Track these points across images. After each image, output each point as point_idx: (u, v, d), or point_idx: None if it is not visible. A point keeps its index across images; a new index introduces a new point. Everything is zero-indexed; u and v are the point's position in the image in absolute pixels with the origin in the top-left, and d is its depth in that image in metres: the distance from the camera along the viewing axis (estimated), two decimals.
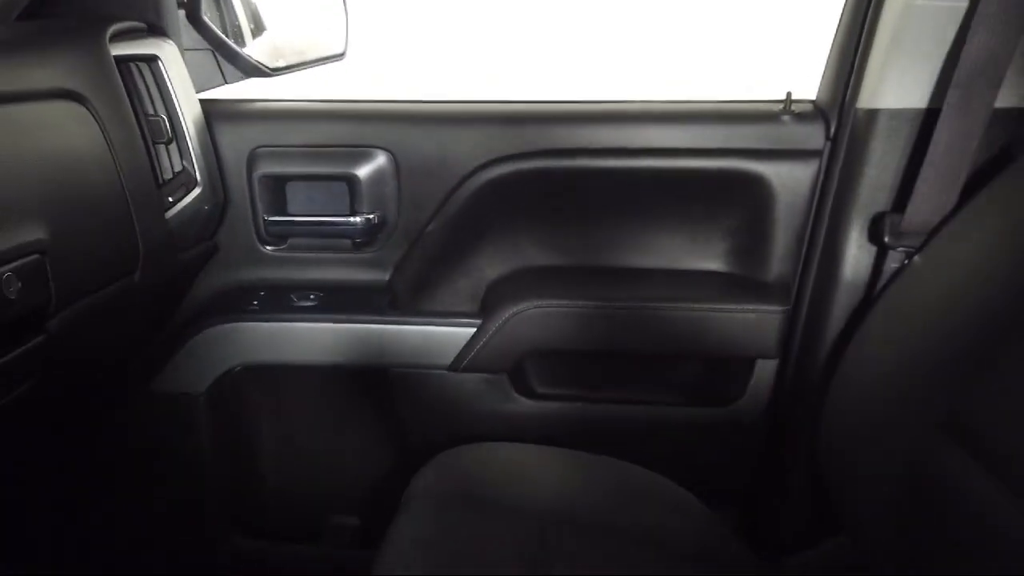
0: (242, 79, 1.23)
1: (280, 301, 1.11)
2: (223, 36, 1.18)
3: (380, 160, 1.08)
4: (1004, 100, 0.88)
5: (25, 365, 0.76)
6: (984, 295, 0.82)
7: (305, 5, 1.44)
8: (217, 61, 1.18)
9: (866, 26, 0.95)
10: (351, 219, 1.10)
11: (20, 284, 0.72)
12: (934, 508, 0.81)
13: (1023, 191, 0.83)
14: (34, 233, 0.74)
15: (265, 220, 1.11)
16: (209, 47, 1.16)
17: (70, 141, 0.82)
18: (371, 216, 1.10)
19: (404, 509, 0.93)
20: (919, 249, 0.91)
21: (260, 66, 1.22)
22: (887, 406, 0.88)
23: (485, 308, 1.12)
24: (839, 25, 1.01)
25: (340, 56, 1.36)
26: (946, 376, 0.83)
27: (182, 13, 1.10)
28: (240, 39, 1.27)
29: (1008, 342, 0.77)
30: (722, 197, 1.08)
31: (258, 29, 1.36)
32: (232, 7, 1.28)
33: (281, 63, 1.28)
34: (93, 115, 0.85)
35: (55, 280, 0.76)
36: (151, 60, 0.98)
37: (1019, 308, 0.77)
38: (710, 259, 1.12)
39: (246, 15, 1.33)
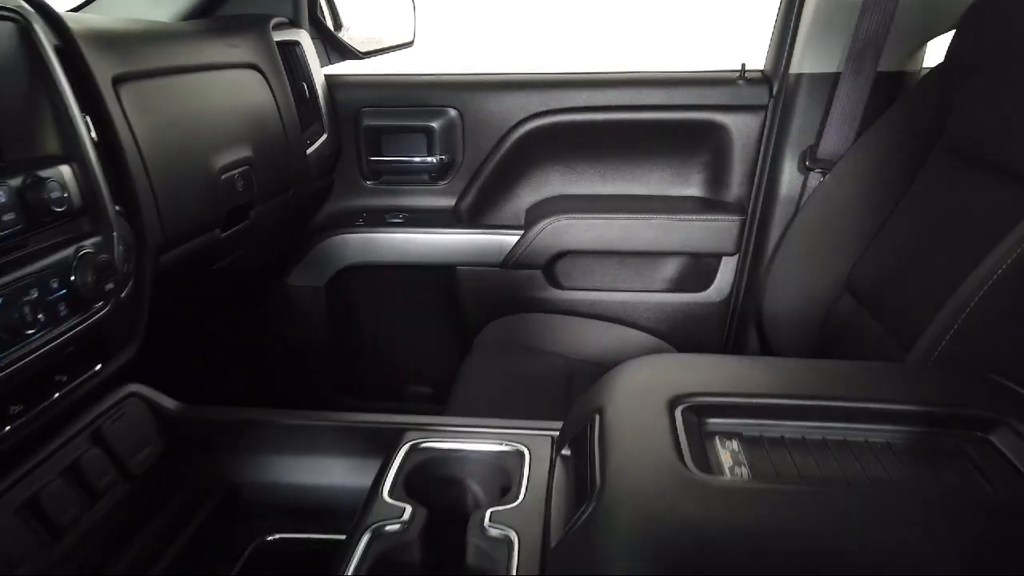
0: (341, 60, 1.65)
1: (378, 219, 1.53)
2: (331, 29, 1.60)
3: (450, 116, 1.50)
4: (883, 66, 1.28)
5: (236, 239, 1.18)
6: (868, 199, 1.23)
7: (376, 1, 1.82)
8: (325, 47, 1.60)
9: (794, 13, 1.36)
10: (428, 159, 1.52)
11: (242, 183, 1.14)
12: (840, 345, 1.22)
13: (894, 129, 1.23)
14: (246, 152, 1.16)
15: (368, 161, 1.53)
16: (319, 36, 1.58)
17: (256, 97, 1.25)
18: (443, 157, 1.52)
19: (472, 352, 1.35)
20: (829, 171, 1.31)
21: (355, 51, 1.64)
22: (807, 277, 1.29)
23: (526, 222, 1.53)
24: (777, 14, 1.41)
25: (409, 44, 1.77)
26: (845, 252, 1.24)
27: None
28: None
29: (881, 228, 1.18)
30: (696, 140, 1.49)
31: (336, 24, 1.76)
32: (320, 5, 1.69)
33: (366, 49, 1.70)
34: (267, 81, 1.27)
35: (256, 184, 1.19)
36: (295, 45, 1.40)
37: (889, 207, 1.18)
38: (688, 185, 1.53)
39: (328, 11, 1.74)
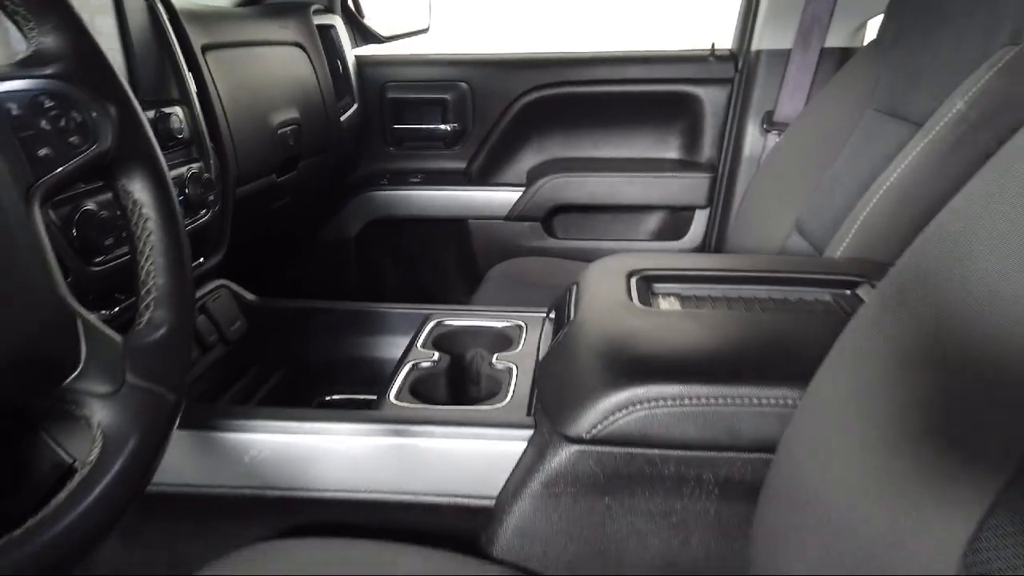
0: (365, 43, 1.89)
1: (399, 179, 1.78)
2: (358, 16, 1.84)
3: (462, 89, 1.74)
4: (831, 43, 1.52)
5: (287, 186, 1.42)
6: (814, 154, 1.46)
7: None
8: (352, 31, 1.85)
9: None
10: (443, 127, 1.76)
11: (292, 139, 1.39)
12: None
13: (835, 96, 1.46)
14: (295, 113, 1.40)
15: (391, 129, 1.77)
16: (347, 22, 1.82)
17: (301, 70, 1.49)
18: (456, 125, 1.76)
19: (484, 281, 1.59)
20: (783, 132, 1.55)
21: (378, 35, 1.88)
22: (765, 221, 1.53)
23: (527, 181, 1.77)
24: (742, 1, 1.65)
25: (425, 30, 2.01)
26: (795, 199, 1.47)
27: None
28: None
29: (820, 175, 1.42)
30: (674, 110, 1.73)
31: (359, 12, 2.00)
32: None
33: (387, 34, 1.94)
34: (309, 57, 1.51)
35: (303, 141, 1.43)
36: (331, 28, 1.65)
37: (831, 160, 1.41)
38: (667, 148, 1.77)
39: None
